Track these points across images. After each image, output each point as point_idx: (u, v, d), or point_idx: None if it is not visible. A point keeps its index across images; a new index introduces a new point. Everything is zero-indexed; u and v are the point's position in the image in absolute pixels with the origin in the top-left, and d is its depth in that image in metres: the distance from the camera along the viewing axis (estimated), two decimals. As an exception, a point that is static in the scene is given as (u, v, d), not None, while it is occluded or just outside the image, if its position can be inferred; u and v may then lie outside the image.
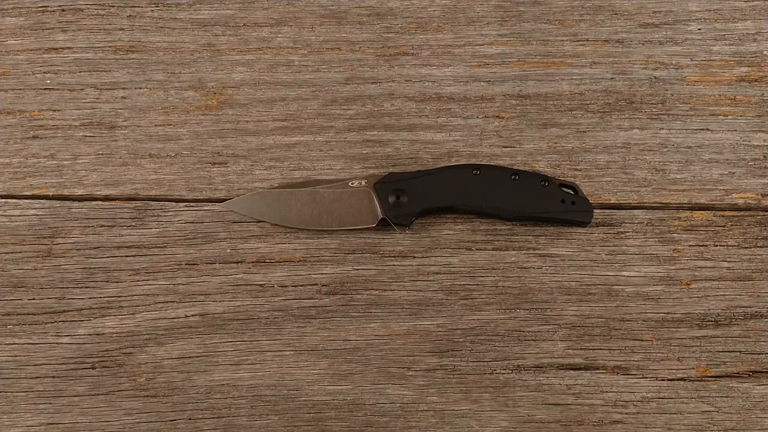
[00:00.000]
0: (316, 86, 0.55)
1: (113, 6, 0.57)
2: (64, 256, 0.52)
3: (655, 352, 0.50)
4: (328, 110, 0.55)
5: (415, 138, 0.54)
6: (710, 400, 0.49)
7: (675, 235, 0.52)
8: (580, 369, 0.50)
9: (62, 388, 0.50)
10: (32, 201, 0.53)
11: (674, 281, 0.51)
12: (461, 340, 0.51)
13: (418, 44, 0.56)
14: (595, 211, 0.52)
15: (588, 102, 0.55)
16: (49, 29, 0.57)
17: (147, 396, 0.50)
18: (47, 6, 0.57)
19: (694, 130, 0.54)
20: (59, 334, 0.51)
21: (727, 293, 0.51)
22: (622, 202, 0.53)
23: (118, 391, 0.50)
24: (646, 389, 0.50)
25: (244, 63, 0.56)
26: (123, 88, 0.55)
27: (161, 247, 0.52)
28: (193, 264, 0.52)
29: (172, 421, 0.50)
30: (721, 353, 0.50)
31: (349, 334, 0.51)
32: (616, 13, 0.57)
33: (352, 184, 0.52)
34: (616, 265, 0.52)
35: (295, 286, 0.52)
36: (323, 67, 0.56)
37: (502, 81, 0.55)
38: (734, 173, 0.53)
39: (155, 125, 0.55)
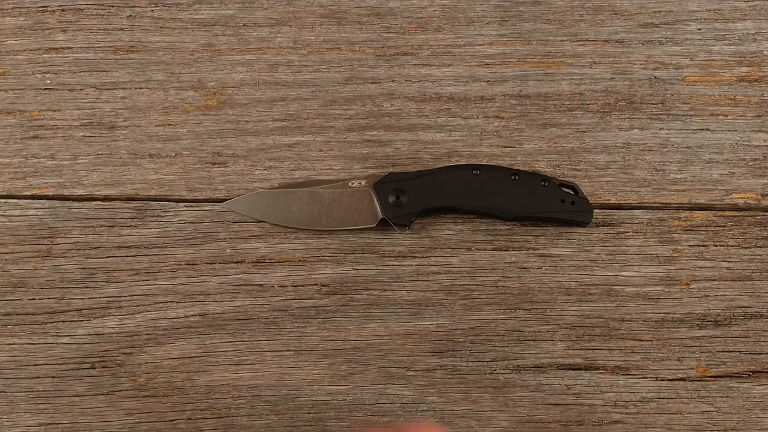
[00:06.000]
0: (316, 86, 0.55)
1: (113, 6, 0.57)
2: (64, 256, 0.52)
3: (655, 352, 0.50)
4: (328, 110, 0.55)
5: (415, 138, 0.54)
6: (710, 400, 0.49)
7: (675, 235, 0.52)
8: (580, 369, 0.50)
9: (62, 388, 0.50)
10: (32, 201, 0.53)
11: (674, 281, 0.51)
12: (461, 340, 0.51)
13: (418, 44, 0.56)
14: (595, 211, 0.52)
15: (588, 102, 0.55)
16: (49, 29, 0.57)
17: (147, 396, 0.50)
18: (47, 6, 0.57)
19: (694, 130, 0.54)
20: (59, 334, 0.51)
21: (727, 293, 0.51)
22: (622, 202, 0.53)
23: (118, 391, 0.50)
24: (646, 389, 0.50)
25: (244, 63, 0.56)
26: (123, 88, 0.55)
27: (161, 247, 0.52)
28: (193, 264, 0.52)
29: (172, 421, 0.50)
30: (721, 353, 0.50)
31: (349, 334, 0.51)
32: (616, 13, 0.57)
33: (352, 184, 0.52)
34: (616, 265, 0.52)
35: (295, 286, 0.52)
36: (323, 67, 0.56)
37: (502, 81, 0.55)
38: (734, 173, 0.53)
39: (155, 125, 0.55)
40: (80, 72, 0.56)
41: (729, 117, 0.54)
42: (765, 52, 0.56)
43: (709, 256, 0.52)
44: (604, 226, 0.52)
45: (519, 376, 0.50)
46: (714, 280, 0.51)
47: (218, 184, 0.53)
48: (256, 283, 0.52)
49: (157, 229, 0.53)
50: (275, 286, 0.52)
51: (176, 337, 0.51)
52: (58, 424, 0.50)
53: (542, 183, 0.51)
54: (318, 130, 0.54)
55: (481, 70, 0.55)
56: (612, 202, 0.53)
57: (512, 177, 0.51)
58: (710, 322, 0.51)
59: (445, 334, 0.51)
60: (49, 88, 0.55)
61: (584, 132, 0.54)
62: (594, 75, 0.55)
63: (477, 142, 0.54)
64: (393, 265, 0.52)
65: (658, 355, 0.50)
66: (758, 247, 0.52)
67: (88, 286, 0.52)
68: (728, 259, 0.52)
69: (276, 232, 0.53)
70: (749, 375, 0.50)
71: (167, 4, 0.57)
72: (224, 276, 0.52)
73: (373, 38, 0.56)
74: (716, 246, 0.52)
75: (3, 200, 0.53)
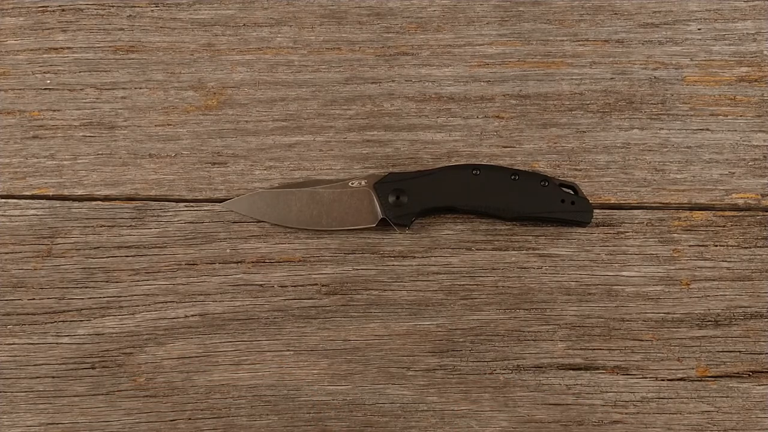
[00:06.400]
0: (316, 86, 0.55)
1: (113, 6, 0.57)
2: (64, 256, 0.52)
3: (655, 352, 0.50)
4: (328, 110, 0.55)
5: (415, 138, 0.54)
6: (710, 400, 0.49)
7: (675, 235, 0.52)
8: (580, 369, 0.50)
9: (62, 388, 0.50)
10: (32, 201, 0.53)
11: (674, 281, 0.51)
12: (461, 340, 0.51)
13: (418, 44, 0.56)
14: (595, 211, 0.52)
15: (588, 102, 0.55)
16: (49, 29, 0.57)
17: (147, 396, 0.50)
18: (47, 6, 0.57)
19: (694, 130, 0.54)
20: (59, 334, 0.51)
21: (727, 293, 0.51)
22: (622, 202, 0.53)
23: (118, 391, 0.50)
24: (646, 389, 0.50)
25: (244, 63, 0.56)
26: (123, 88, 0.55)
27: (161, 247, 0.52)
28: (193, 264, 0.52)
29: (172, 421, 0.50)
30: (721, 353, 0.50)
31: (349, 334, 0.51)
32: (616, 13, 0.57)
33: (352, 184, 0.52)
34: (616, 265, 0.52)
35: (295, 286, 0.52)
36: (323, 67, 0.56)
37: (502, 81, 0.55)
38: (734, 173, 0.53)
39: (155, 125, 0.55)
40: (80, 72, 0.56)
41: (729, 117, 0.54)
42: (765, 52, 0.56)
43: (709, 256, 0.52)
44: (604, 226, 0.52)
45: (519, 376, 0.50)
46: (714, 280, 0.51)
47: (218, 184, 0.54)
48: (256, 283, 0.52)
49: (157, 229, 0.53)
50: (275, 286, 0.52)
51: (176, 337, 0.51)
52: (58, 424, 0.50)
53: (542, 183, 0.51)
54: (318, 130, 0.54)
55: (481, 70, 0.55)
56: (612, 202, 0.53)
57: (512, 177, 0.51)
58: (710, 322, 0.51)
59: (445, 334, 0.51)
60: (49, 88, 0.55)
61: (584, 132, 0.54)
62: (594, 75, 0.55)
63: (477, 142, 0.54)
64: (393, 265, 0.52)
65: (658, 355, 0.50)
66: (758, 247, 0.52)
67: (88, 286, 0.52)
68: (728, 259, 0.52)
69: (276, 232, 0.53)
70: (749, 375, 0.50)
71: (167, 4, 0.57)
72: (224, 276, 0.52)
73: (373, 38, 0.56)
74: (716, 246, 0.52)
75: (3, 200, 0.53)
